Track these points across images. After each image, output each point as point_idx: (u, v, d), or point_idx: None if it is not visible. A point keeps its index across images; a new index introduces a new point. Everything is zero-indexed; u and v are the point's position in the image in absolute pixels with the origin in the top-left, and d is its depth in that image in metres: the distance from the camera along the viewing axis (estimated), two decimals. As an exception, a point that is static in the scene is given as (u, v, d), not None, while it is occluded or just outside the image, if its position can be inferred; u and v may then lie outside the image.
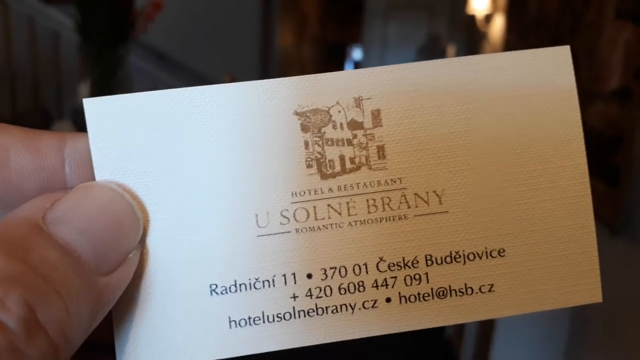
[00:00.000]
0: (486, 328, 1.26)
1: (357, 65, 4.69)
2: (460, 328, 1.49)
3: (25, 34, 3.18)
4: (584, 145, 0.20)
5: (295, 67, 5.90)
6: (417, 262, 0.20)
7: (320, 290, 0.19)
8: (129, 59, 3.01)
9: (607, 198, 0.89)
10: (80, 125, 1.76)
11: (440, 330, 1.76)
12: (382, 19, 4.46)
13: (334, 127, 0.20)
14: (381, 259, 0.20)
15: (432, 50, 4.06)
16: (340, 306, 0.19)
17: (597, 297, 0.20)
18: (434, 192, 0.20)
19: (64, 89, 2.74)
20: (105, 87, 2.08)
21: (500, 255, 0.20)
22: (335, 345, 0.21)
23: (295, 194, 0.19)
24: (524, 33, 1.58)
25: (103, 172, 0.18)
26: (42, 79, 3.34)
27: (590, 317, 0.98)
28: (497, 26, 2.30)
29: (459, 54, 3.82)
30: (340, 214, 0.20)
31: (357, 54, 6.18)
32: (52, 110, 2.74)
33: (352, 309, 0.20)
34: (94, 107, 0.19)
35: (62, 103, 2.83)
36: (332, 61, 9.51)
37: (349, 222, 0.20)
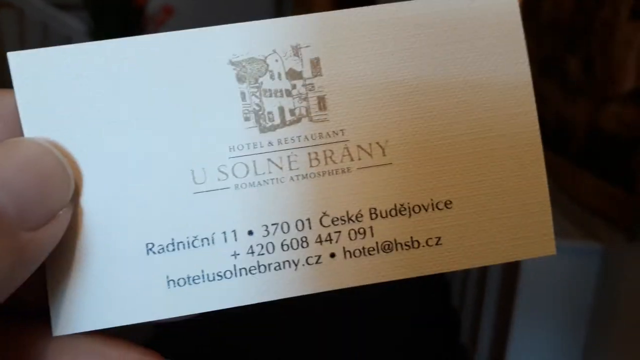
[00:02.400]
0: (501, 332, 1.24)
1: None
2: (474, 335, 1.47)
3: (39, 39, 3.22)
4: (532, 92, 0.19)
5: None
6: (362, 215, 0.19)
7: (262, 247, 0.19)
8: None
9: (624, 202, 0.88)
10: None
11: (455, 334, 1.74)
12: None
13: (272, 77, 0.19)
14: (324, 213, 0.19)
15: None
16: (283, 263, 0.19)
17: (550, 249, 0.19)
18: (377, 143, 0.19)
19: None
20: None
21: (447, 207, 0.19)
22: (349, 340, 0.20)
23: (233, 148, 0.19)
24: (537, 35, 1.56)
25: (32, 129, 0.18)
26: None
27: (609, 320, 0.96)
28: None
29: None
30: (281, 168, 0.19)
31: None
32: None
33: (296, 265, 0.19)
34: (20, 61, 0.18)
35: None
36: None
37: (291, 177, 0.19)
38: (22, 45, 3.40)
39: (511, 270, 1.13)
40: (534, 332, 1.18)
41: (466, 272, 1.50)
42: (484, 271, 1.33)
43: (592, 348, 1.01)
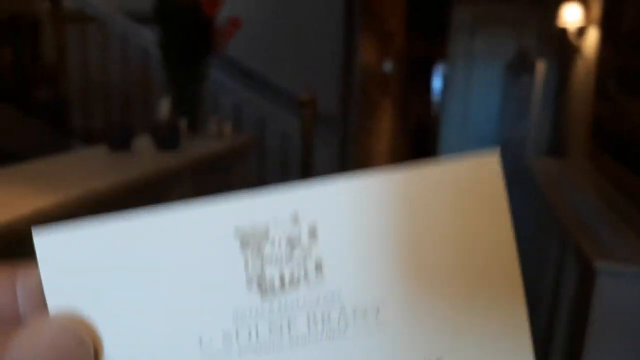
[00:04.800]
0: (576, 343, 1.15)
1: (445, 79, 4.57)
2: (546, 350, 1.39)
3: (120, 50, 3.39)
4: (516, 255, 0.20)
5: (378, 83, 5.86)
6: None
7: None
8: (214, 75, 3.11)
9: None
10: (158, 140, 1.81)
11: None
12: (468, 34, 4.32)
13: (273, 244, 0.20)
14: None
15: (520, 65, 3.86)
16: None
17: None
18: (372, 306, 0.20)
19: (150, 103, 2.87)
20: (185, 102, 2.15)
21: None
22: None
23: (237, 315, 0.20)
24: (619, 46, 1.44)
25: (55, 303, 0.19)
26: (131, 94, 3.55)
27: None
28: (591, 40, 2.14)
29: (550, 69, 3.60)
30: (281, 334, 0.20)
31: (442, 69, 6.04)
32: (139, 124, 2.87)
33: None
34: (44, 240, 0.19)
35: (149, 117, 2.97)
36: (417, 77, 9.39)
37: (290, 342, 0.20)
38: (105, 54, 3.58)
39: (584, 296, 1.06)
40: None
41: (537, 298, 1.43)
42: (555, 297, 1.27)
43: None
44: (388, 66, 6.51)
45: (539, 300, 1.49)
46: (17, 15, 3.26)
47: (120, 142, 1.84)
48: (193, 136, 2.23)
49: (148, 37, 2.97)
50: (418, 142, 9.74)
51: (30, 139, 3.26)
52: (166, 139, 1.88)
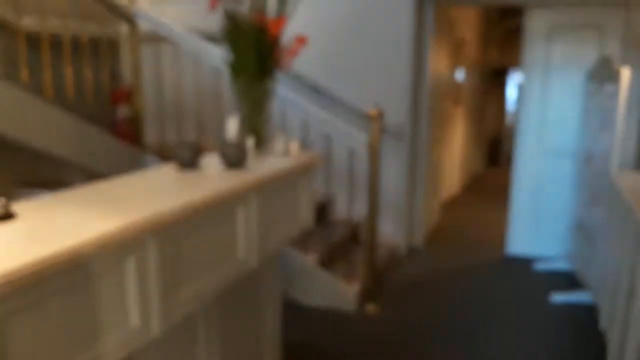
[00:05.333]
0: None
1: (520, 88, 4.38)
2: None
3: (192, 67, 3.50)
4: None
5: (450, 92, 5.71)
6: None
7: None
8: (281, 92, 3.13)
9: None
10: (225, 159, 1.82)
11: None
12: (544, 41, 4.11)
13: None
14: None
15: (604, 73, 3.63)
16: None
17: None
18: None
19: (221, 121, 2.92)
20: (253, 120, 2.16)
21: None
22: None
23: None
24: None
25: None
26: (204, 111, 3.64)
27: None
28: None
29: (635, 75, 3.35)
30: None
31: (518, 78, 5.81)
32: (210, 141, 2.93)
33: None
34: None
35: (219, 134, 3.03)
36: (492, 86, 9.08)
37: None
38: (179, 72, 3.70)
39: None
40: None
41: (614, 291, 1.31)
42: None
43: None
44: (461, 75, 6.33)
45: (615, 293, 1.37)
46: (97, 37, 3.46)
47: (188, 160, 1.88)
48: (260, 154, 2.24)
49: (218, 55, 3.04)
50: (492, 152, 9.41)
51: (110, 156, 3.42)
52: (233, 158, 1.90)
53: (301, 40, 2.23)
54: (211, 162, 2.01)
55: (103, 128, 3.38)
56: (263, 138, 2.25)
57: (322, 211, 3.61)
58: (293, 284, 3.39)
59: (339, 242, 3.78)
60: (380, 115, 3.23)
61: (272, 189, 1.95)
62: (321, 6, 4.08)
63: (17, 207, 1.30)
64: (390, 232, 4.29)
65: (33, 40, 3.11)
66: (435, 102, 4.67)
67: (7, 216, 1.22)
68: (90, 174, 3.40)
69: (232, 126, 2.07)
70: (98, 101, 3.59)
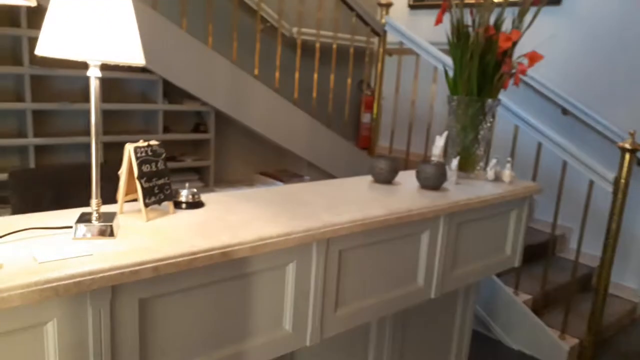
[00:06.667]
0: None
1: None
2: None
3: (429, 77, 3.46)
4: None
5: None
6: None
7: None
8: (514, 109, 2.88)
9: None
10: (421, 177, 1.74)
11: None
12: None
13: None
14: None
15: None
16: None
17: None
18: None
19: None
20: (464, 138, 2.03)
21: None
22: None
23: None
24: None
25: None
26: (434, 124, 3.57)
27: None
28: None
29: None
30: None
31: None
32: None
33: None
34: None
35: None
36: None
37: None
38: (416, 82, 3.70)
39: None
40: None
41: None
42: None
43: None
44: None
45: None
46: (360, 48, 3.67)
47: (382, 175, 1.85)
48: (467, 177, 2.09)
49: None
50: None
51: (340, 158, 3.63)
52: (429, 178, 1.80)
53: (534, 58, 1.99)
54: (408, 180, 1.94)
55: (347, 132, 3.60)
56: (473, 160, 2.09)
57: (547, 247, 3.20)
58: (497, 319, 3.09)
59: (562, 286, 3.31)
60: (636, 149, 2.70)
61: (468, 217, 1.79)
62: (576, 13, 3.60)
63: (208, 197, 1.45)
64: (634, 286, 3.59)
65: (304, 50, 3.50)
66: None
67: (196, 205, 1.36)
68: (322, 171, 3.66)
69: (438, 144, 1.97)
70: (350, 106, 3.85)
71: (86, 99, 2.85)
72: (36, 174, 1.97)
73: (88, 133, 2.86)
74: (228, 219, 1.27)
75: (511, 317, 3.05)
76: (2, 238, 1.01)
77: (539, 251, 3.43)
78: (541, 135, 2.95)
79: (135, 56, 1.04)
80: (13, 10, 2.57)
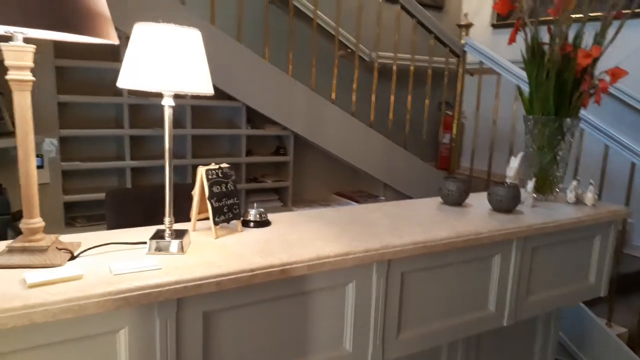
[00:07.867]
0: None
1: None
2: None
3: (511, 97, 3.36)
4: None
5: None
6: None
7: None
8: (603, 128, 2.73)
9: None
10: (493, 198, 1.70)
11: None
12: None
13: None
14: None
15: None
16: None
17: None
18: None
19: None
20: (541, 160, 1.97)
21: None
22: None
23: None
24: None
25: None
26: (519, 145, 3.44)
27: None
28: None
29: None
30: None
31: None
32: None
33: None
34: None
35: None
36: None
37: None
38: (497, 102, 3.58)
39: None
40: None
41: None
42: None
43: None
44: None
45: None
46: (438, 69, 3.66)
47: (450, 196, 1.82)
48: (545, 199, 2.00)
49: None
50: None
51: (416, 179, 3.60)
52: (501, 200, 1.75)
53: (617, 74, 1.89)
54: (480, 202, 1.89)
55: (426, 153, 3.56)
56: (551, 182, 2.00)
57: (647, 277, 2.96)
58: (586, 352, 2.89)
59: (665, 319, 3.03)
60: None
61: (544, 241, 1.72)
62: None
63: (275, 217, 1.51)
64: None
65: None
66: None
67: (264, 224, 1.43)
68: (398, 192, 3.64)
69: (512, 165, 1.91)
70: (428, 127, 3.82)
71: (176, 125, 3.06)
72: (129, 193, 2.15)
73: (177, 156, 3.06)
74: (290, 238, 1.32)
75: (602, 352, 2.84)
76: (85, 252, 1.12)
77: (637, 281, 3.17)
78: (634, 155, 2.75)
79: (203, 87, 1.13)
80: (113, 46, 2.84)
